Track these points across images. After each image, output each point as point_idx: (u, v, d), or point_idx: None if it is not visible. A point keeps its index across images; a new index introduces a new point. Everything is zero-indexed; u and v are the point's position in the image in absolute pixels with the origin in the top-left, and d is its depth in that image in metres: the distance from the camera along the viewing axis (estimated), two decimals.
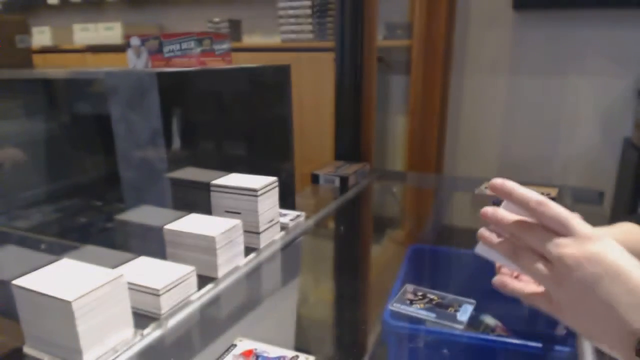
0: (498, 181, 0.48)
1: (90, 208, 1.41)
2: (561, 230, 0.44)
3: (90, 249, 1.14)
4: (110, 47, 3.43)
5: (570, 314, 0.45)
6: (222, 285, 0.87)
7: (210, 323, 0.81)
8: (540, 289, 0.48)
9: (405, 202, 1.69)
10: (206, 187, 1.02)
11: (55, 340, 0.63)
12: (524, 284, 0.50)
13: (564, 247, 0.43)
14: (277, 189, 1.03)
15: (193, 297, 0.81)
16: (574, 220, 0.44)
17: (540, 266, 0.45)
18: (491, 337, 0.63)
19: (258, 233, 1.00)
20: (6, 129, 1.47)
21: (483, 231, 0.50)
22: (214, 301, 0.84)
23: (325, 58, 2.54)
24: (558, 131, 2.41)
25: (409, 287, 0.85)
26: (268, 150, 1.36)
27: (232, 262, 0.91)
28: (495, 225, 0.49)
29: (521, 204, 0.46)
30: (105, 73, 1.01)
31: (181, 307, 0.79)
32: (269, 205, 1.01)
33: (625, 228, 0.65)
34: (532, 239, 0.45)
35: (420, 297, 0.81)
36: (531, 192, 0.46)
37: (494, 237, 0.49)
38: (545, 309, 0.47)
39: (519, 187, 0.47)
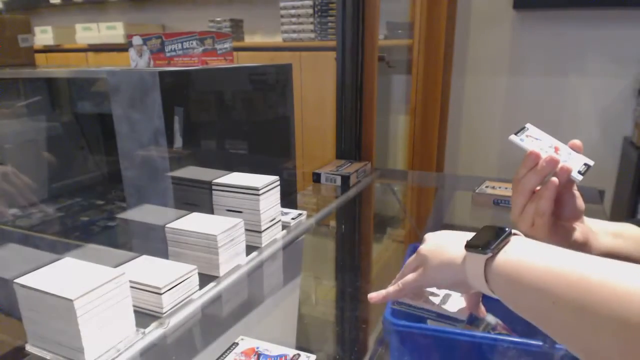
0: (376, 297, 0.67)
1: (92, 207, 1.42)
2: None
3: (92, 247, 1.15)
4: (113, 47, 3.44)
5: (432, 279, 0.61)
6: (224, 284, 0.88)
7: (212, 321, 0.81)
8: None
9: (406, 200, 1.69)
10: (208, 186, 1.02)
11: (58, 339, 0.63)
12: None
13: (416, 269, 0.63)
14: (278, 188, 1.03)
15: (195, 296, 0.82)
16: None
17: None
18: (492, 335, 0.63)
19: (259, 232, 1.00)
20: (8, 127, 1.47)
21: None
22: (216, 300, 0.84)
23: (326, 57, 2.54)
24: (558, 130, 2.40)
25: None
26: (269, 149, 1.36)
27: (233, 260, 0.92)
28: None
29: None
30: (107, 72, 1.02)
31: (183, 306, 0.79)
32: (270, 204, 1.02)
33: (624, 227, 0.68)
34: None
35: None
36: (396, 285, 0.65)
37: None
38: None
39: (391, 292, 0.65)
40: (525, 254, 0.48)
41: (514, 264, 0.48)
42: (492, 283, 0.51)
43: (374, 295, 0.66)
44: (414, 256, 0.64)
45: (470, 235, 0.57)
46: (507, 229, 0.53)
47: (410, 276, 0.63)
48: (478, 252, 0.52)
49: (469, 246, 0.54)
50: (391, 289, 0.65)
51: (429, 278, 0.61)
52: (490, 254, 0.50)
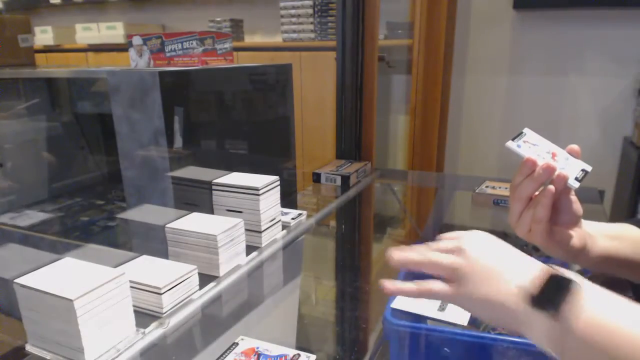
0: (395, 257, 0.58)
1: (92, 207, 1.42)
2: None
3: (92, 247, 1.15)
4: (113, 47, 3.43)
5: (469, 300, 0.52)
6: (224, 284, 0.88)
7: (212, 321, 0.81)
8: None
9: (406, 200, 1.69)
10: (208, 186, 1.02)
11: (57, 339, 0.63)
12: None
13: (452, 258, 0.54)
14: (278, 188, 1.03)
15: (194, 296, 0.82)
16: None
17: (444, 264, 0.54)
18: (492, 335, 0.63)
19: (259, 232, 1.00)
20: (8, 127, 1.47)
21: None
22: (216, 300, 0.84)
23: (326, 57, 2.54)
24: (558, 130, 2.41)
25: None
26: (270, 149, 1.36)
27: (233, 260, 0.92)
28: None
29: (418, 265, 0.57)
30: (108, 72, 1.02)
31: (183, 306, 0.79)
32: (270, 204, 1.02)
33: (623, 228, 0.68)
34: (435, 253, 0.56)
35: None
36: (417, 255, 0.57)
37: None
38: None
39: (411, 257, 0.57)
40: (605, 315, 0.44)
41: (594, 328, 0.43)
42: (564, 345, 0.45)
43: (387, 285, 0.56)
44: (450, 261, 0.54)
45: (522, 257, 0.52)
46: (571, 279, 0.47)
47: (437, 288, 0.54)
48: (548, 314, 0.45)
49: (536, 303, 0.47)
50: (407, 287, 0.56)
51: (461, 303, 0.53)
52: (561, 314, 0.45)
